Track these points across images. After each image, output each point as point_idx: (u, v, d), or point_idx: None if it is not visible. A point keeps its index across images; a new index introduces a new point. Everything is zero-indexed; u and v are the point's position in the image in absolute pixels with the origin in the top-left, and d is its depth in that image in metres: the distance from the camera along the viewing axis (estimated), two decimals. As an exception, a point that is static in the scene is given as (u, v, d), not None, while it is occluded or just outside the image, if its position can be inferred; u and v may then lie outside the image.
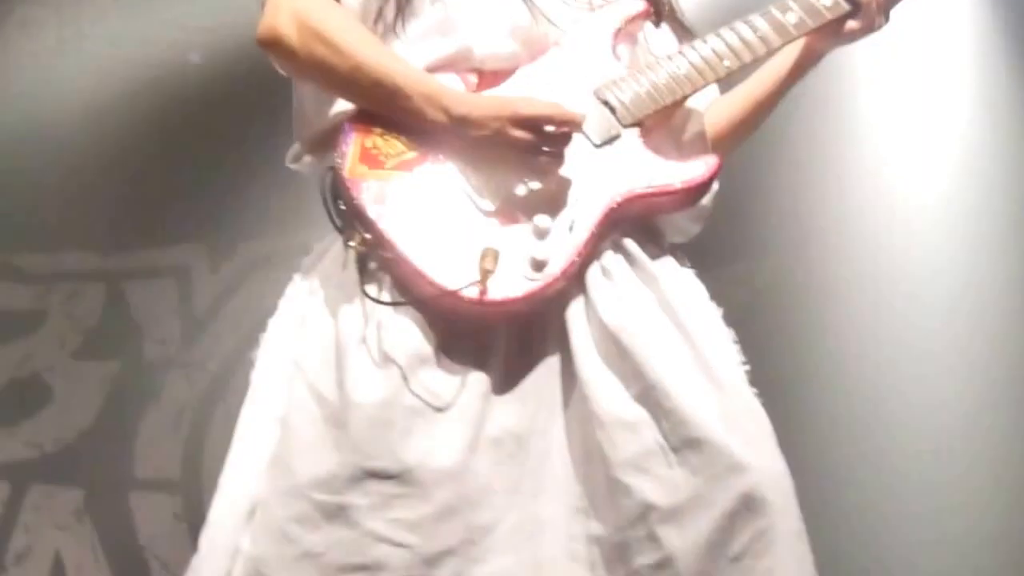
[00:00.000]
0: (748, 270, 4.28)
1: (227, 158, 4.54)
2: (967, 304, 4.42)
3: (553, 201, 1.96)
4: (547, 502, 1.94)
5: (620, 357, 1.95)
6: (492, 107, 1.97)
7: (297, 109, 2.14)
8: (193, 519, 4.66)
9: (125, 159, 4.64)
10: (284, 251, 4.51)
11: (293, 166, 2.14)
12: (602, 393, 1.94)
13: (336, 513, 1.87)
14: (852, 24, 2.20)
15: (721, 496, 1.86)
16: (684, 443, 1.89)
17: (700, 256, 2.19)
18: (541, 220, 1.93)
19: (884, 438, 4.31)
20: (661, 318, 2.00)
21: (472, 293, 1.86)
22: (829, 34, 2.23)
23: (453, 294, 1.85)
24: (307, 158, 2.09)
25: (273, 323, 2.13)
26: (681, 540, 1.85)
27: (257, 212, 4.67)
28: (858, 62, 4.19)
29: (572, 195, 1.98)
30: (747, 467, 1.88)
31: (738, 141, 2.36)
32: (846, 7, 2.20)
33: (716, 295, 2.14)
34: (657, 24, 2.22)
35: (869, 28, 2.22)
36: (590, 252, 1.98)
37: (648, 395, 1.92)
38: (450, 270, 1.89)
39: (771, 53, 2.20)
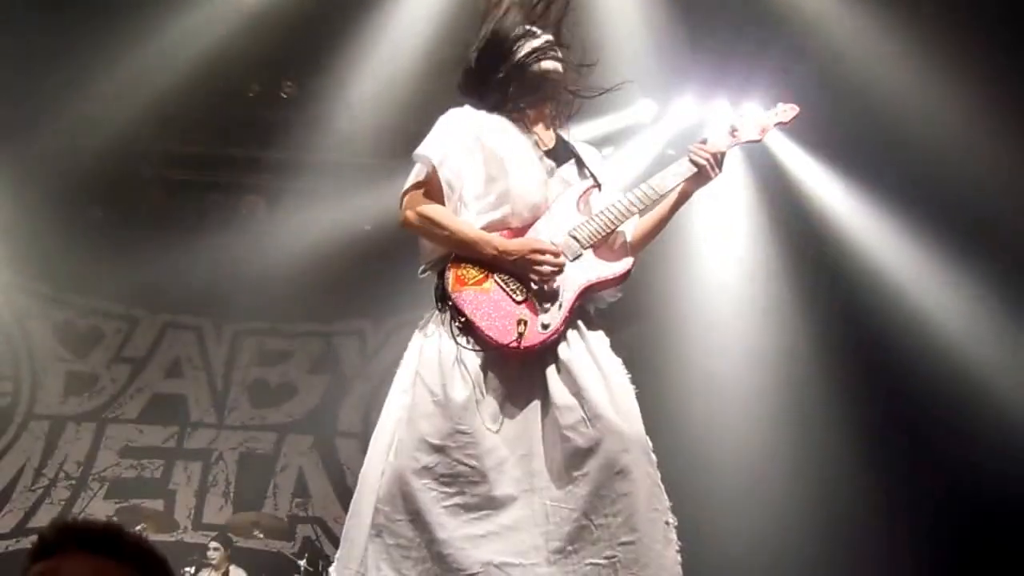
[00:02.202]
0: (631, 331, 5.72)
1: (381, 279, 6.85)
2: (755, 349, 6.49)
3: (552, 291, 2.93)
4: (537, 444, 2.91)
5: (567, 375, 2.91)
6: (519, 245, 2.95)
7: (423, 249, 3.08)
8: (366, 450, 6.80)
9: (327, 280, 7.10)
10: (409, 322, 6.36)
11: (421, 276, 3.07)
12: (557, 392, 2.90)
13: (439, 448, 2.83)
14: (700, 177, 3.14)
15: (612, 442, 2.83)
16: (594, 417, 2.84)
17: (608, 323, 3.12)
18: (546, 303, 2.91)
19: (706, 431, 6.31)
20: (587, 356, 2.95)
21: (514, 345, 2.85)
22: (691, 184, 3.16)
23: (503, 345, 2.85)
24: (428, 273, 3.06)
25: (407, 352, 3.05)
26: (594, 463, 2.81)
27: (396, 303, 6.61)
28: (695, 217, 6.21)
29: (561, 287, 2.95)
30: (624, 431, 2.85)
31: (646, 244, 3.24)
32: (694, 169, 3.13)
33: (615, 343, 3.07)
34: (599, 189, 3.17)
35: (709, 179, 3.15)
36: (571, 317, 2.92)
37: (578, 394, 2.87)
38: (501, 333, 2.87)
39: (661, 199, 3.13)
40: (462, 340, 2.86)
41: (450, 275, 2.95)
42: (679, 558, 2.96)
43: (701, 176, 3.12)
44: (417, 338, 3.02)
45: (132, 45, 5.91)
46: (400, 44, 5.91)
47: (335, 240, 6.92)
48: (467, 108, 3.17)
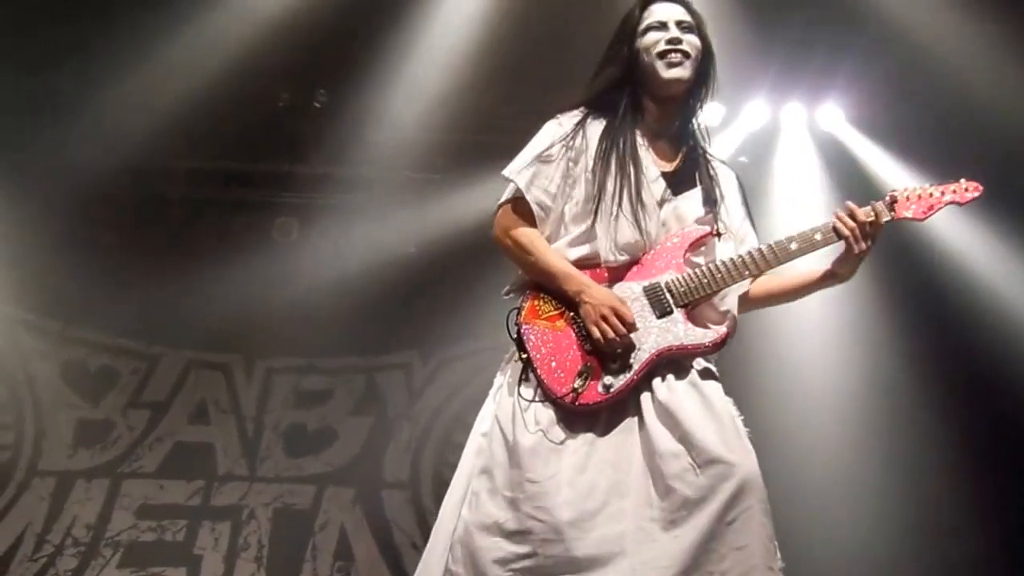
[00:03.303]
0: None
1: (428, 306, 6.51)
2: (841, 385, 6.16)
3: (626, 346, 2.70)
4: (628, 500, 2.62)
5: (669, 418, 2.65)
6: (602, 296, 2.72)
7: (517, 272, 2.92)
8: (415, 503, 6.59)
9: (368, 308, 6.48)
10: (459, 355, 6.71)
11: (505, 297, 2.91)
12: (659, 438, 2.63)
13: (512, 501, 2.63)
14: (843, 254, 2.79)
15: (727, 489, 2.55)
16: (705, 463, 2.57)
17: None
18: (615, 360, 2.69)
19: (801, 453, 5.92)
20: (693, 395, 2.69)
21: (569, 399, 2.67)
22: (840, 261, 2.82)
23: (557, 396, 2.67)
24: (512, 295, 2.90)
25: (490, 393, 2.88)
26: (703, 513, 2.53)
27: (446, 335, 6.63)
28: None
29: (637, 343, 2.70)
30: (741, 475, 2.57)
31: (766, 305, 3.00)
32: (833, 239, 2.77)
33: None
34: (719, 239, 2.90)
35: (852, 254, 2.79)
36: (640, 379, 2.68)
37: (684, 438, 2.62)
38: (558, 381, 2.69)
39: (770, 269, 2.81)
40: (526, 391, 2.68)
41: (526, 304, 2.78)
42: None
43: (847, 254, 2.78)
44: (498, 379, 2.85)
45: (149, 49, 5.48)
46: (443, 48, 5.61)
47: (376, 264, 6.50)
48: (574, 117, 2.91)
